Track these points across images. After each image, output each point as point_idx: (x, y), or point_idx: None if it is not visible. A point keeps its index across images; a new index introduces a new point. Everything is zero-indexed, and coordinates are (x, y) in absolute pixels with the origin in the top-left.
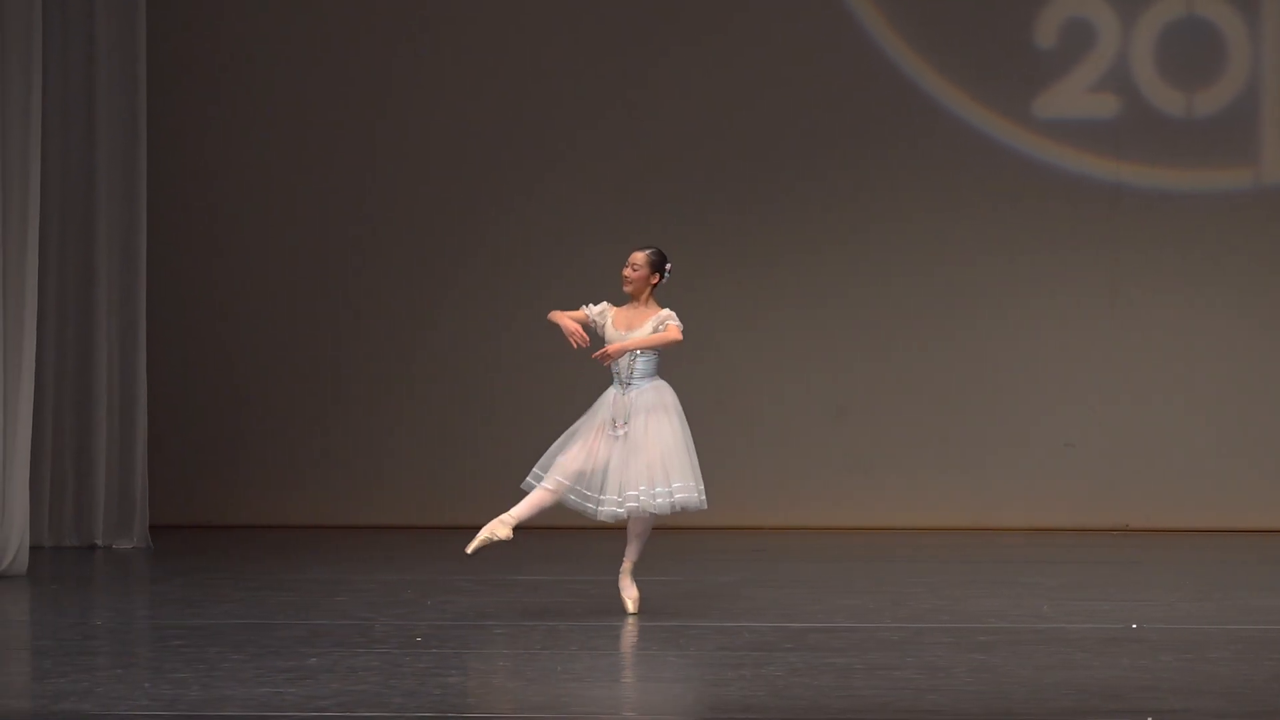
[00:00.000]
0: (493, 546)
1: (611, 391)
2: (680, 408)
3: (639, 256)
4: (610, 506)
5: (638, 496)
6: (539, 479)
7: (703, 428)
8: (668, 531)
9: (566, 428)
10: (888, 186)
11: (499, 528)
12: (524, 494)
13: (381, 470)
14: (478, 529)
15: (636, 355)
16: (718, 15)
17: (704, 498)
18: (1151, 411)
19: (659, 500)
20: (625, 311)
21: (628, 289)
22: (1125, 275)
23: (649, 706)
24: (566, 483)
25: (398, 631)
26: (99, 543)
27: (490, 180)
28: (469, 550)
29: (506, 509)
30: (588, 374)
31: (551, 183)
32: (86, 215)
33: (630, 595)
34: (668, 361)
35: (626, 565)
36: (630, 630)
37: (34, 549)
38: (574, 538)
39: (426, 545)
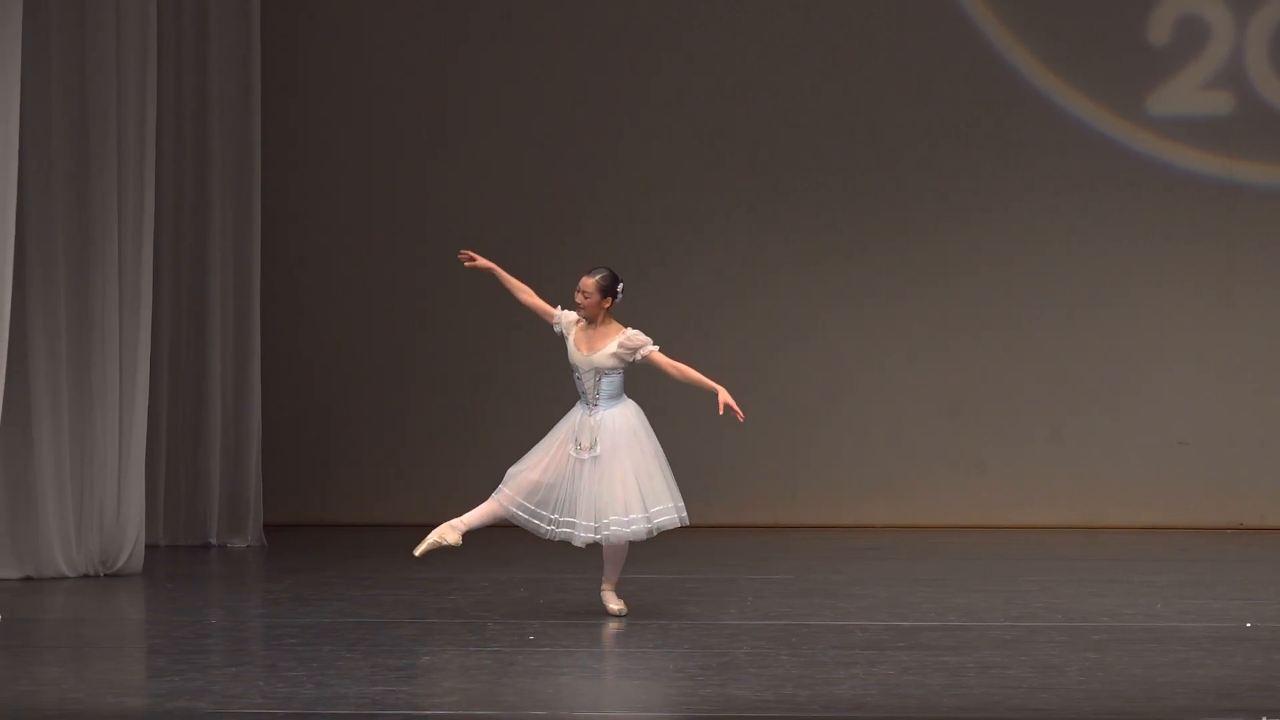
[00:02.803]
0: (441, 551)
1: (578, 412)
2: (649, 427)
3: (589, 283)
4: (585, 533)
5: (611, 524)
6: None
7: (811, 424)
8: (778, 530)
9: (659, 419)
10: (1001, 181)
11: (449, 533)
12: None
13: (494, 469)
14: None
15: (603, 375)
16: (839, 14)
17: (684, 514)
18: (1265, 410)
19: (633, 527)
20: (585, 332)
21: (582, 314)
22: (1239, 273)
23: (761, 704)
24: (518, 498)
25: (510, 630)
26: (213, 541)
27: (572, 179)
28: (417, 553)
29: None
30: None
31: (629, 176)
32: (201, 218)
33: (614, 605)
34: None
35: (607, 586)
36: (743, 630)
37: (149, 548)
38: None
39: (538, 543)
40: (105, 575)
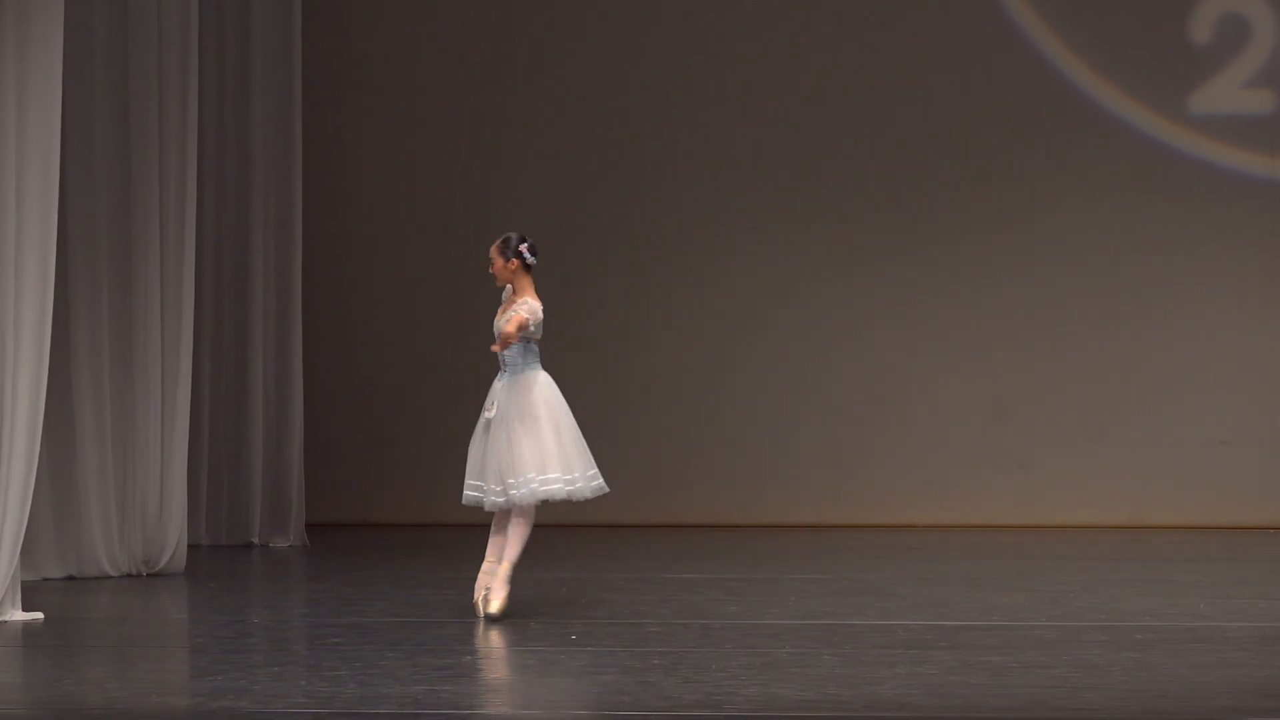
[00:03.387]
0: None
1: (496, 382)
2: (550, 396)
3: (492, 250)
4: (495, 497)
5: (513, 487)
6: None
7: (854, 423)
8: (821, 530)
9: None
10: (1042, 181)
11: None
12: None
13: None
14: (639, 527)
15: (514, 346)
16: (880, 13)
17: (581, 487)
18: None
19: (514, 492)
20: (506, 301)
21: (498, 284)
22: (1277, 273)
23: (804, 704)
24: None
25: (553, 629)
26: (255, 541)
27: (613, 180)
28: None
29: (652, 506)
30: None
31: (671, 175)
32: (242, 217)
33: (496, 596)
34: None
35: (503, 565)
36: (785, 629)
37: (191, 547)
38: (724, 537)
39: (579, 543)
40: (148, 575)
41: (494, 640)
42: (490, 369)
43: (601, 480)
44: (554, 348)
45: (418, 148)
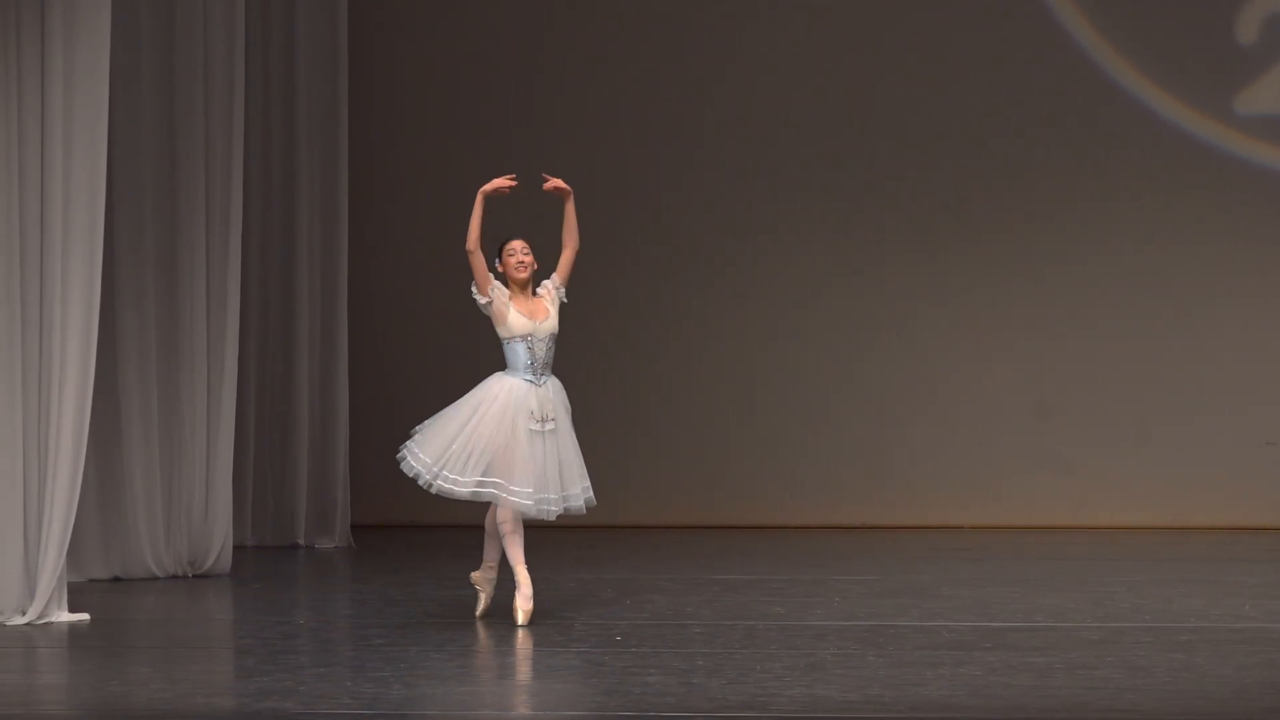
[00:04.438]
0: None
1: (519, 383)
2: None
3: (524, 244)
4: (553, 505)
5: (573, 496)
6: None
7: (899, 424)
8: (866, 531)
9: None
10: (1087, 181)
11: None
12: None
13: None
14: (683, 528)
15: (552, 345)
16: (924, 11)
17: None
18: None
19: (575, 502)
20: (523, 301)
21: (524, 275)
22: None
23: (848, 705)
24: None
25: (597, 630)
26: (301, 542)
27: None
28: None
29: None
30: (759, 372)
31: (713, 172)
32: (288, 221)
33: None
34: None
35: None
36: (829, 630)
37: (236, 548)
38: (768, 538)
39: (625, 543)
40: (193, 576)
41: (538, 641)
42: None
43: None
44: (594, 350)
45: (460, 151)
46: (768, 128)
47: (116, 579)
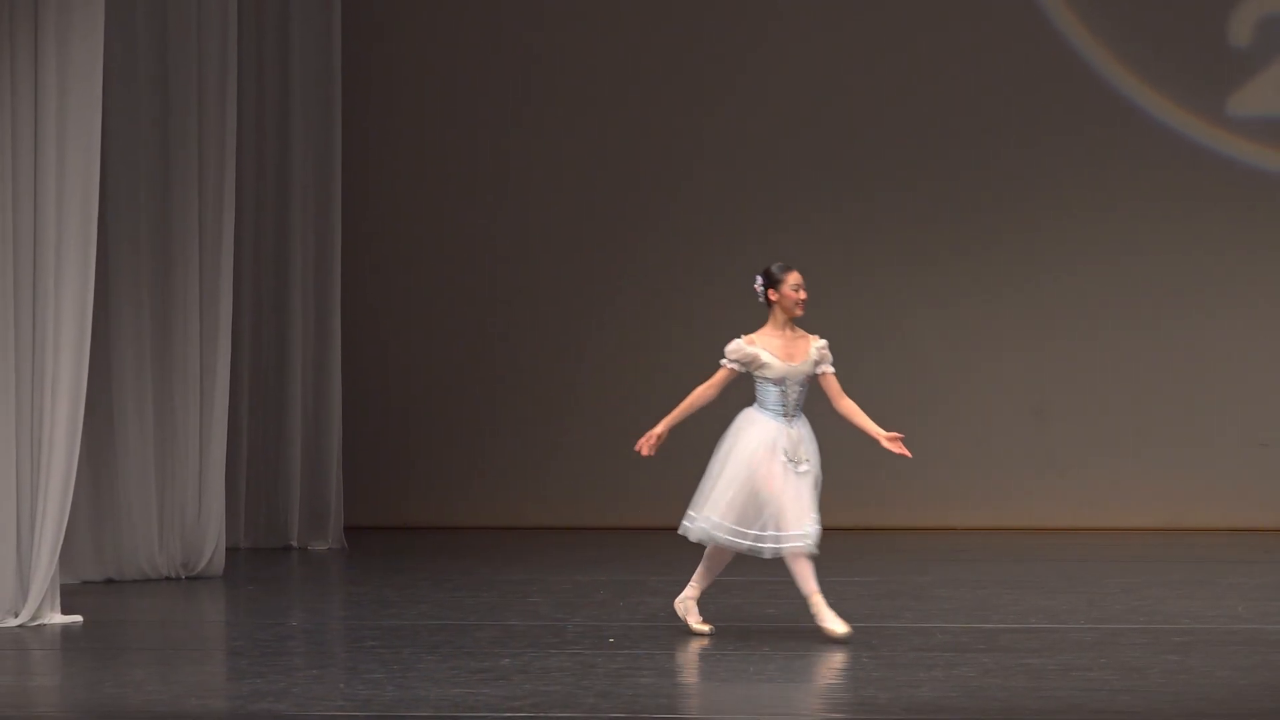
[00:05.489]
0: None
1: (771, 421)
2: None
3: (801, 277)
4: (796, 542)
5: (812, 532)
6: (714, 529)
7: (897, 426)
8: (862, 533)
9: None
10: (1081, 183)
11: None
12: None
13: (576, 472)
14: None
15: (805, 387)
16: (921, 17)
17: None
18: None
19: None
20: (781, 340)
21: (801, 313)
22: None
23: (842, 706)
24: (725, 522)
25: (591, 632)
26: (294, 544)
27: (652, 181)
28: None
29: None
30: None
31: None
32: (281, 222)
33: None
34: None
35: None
36: (824, 633)
37: (230, 550)
38: None
39: (620, 545)
40: (187, 578)
41: (531, 643)
42: (528, 380)
43: None
44: (595, 349)
45: (454, 154)
46: (766, 133)
47: (110, 581)
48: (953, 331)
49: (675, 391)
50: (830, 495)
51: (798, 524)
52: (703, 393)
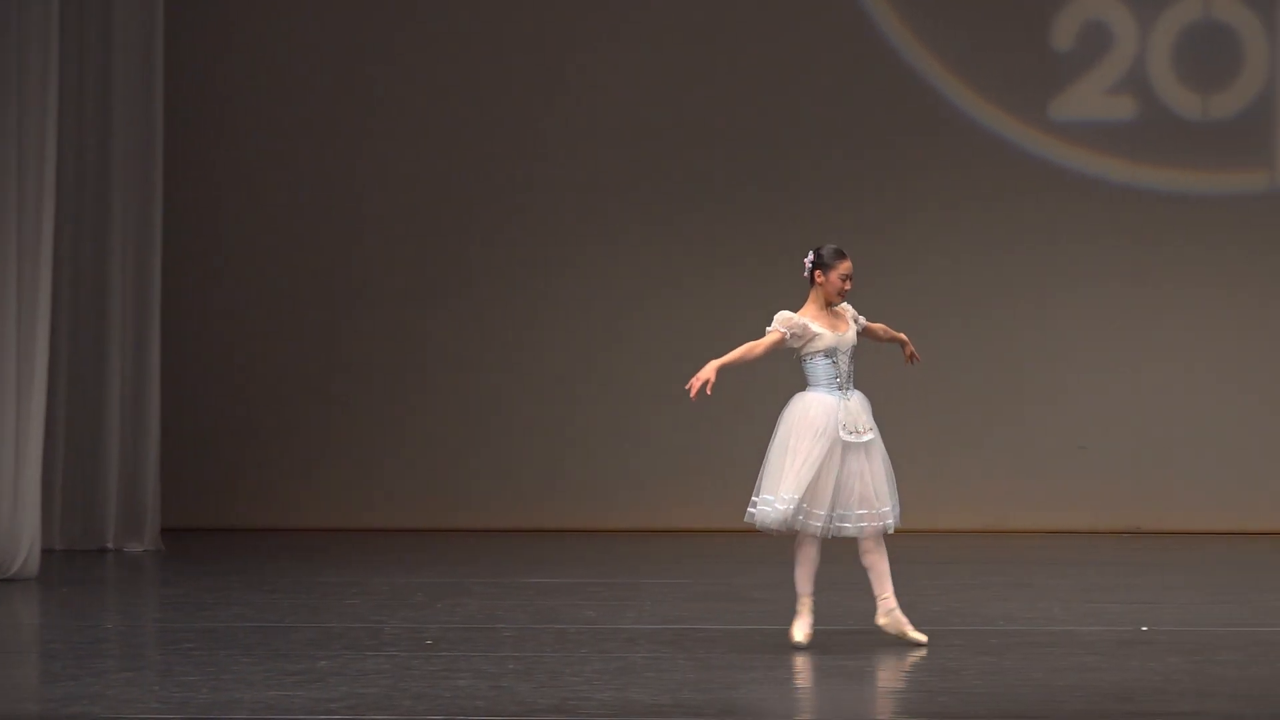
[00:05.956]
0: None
1: (829, 397)
2: None
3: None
4: (873, 521)
5: (890, 511)
6: (802, 515)
7: (717, 431)
8: (680, 535)
9: (572, 427)
10: (901, 187)
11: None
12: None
13: (393, 473)
14: (489, 531)
15: (854, 358)
16: (749, 28)
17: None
18: (1164, 413)
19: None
20: (826, 315)
21: (839, 302)
22: (1140, 277)
23: (658, 708)
24: (807, 508)
25: (408, 634)
26: (110, 546)
27: (492, 182)
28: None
29: (516, 510)
30: (588, 377)
31: (550, 181)
32: (101, 219)
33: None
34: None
35: (893, 600)
36: (640, 634)
37: (45, 552)
38: (582, 541)
39: (439, 548)
40: (1, 580)
41: (348, 645)
42: (348, 379)
43: None
44: (410, 352)
45: (281, 149)
46: (601, 138)
47: None
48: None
49: (496, 395)
50: (643, 499)
51: (872, 503)
52: (752, 348)
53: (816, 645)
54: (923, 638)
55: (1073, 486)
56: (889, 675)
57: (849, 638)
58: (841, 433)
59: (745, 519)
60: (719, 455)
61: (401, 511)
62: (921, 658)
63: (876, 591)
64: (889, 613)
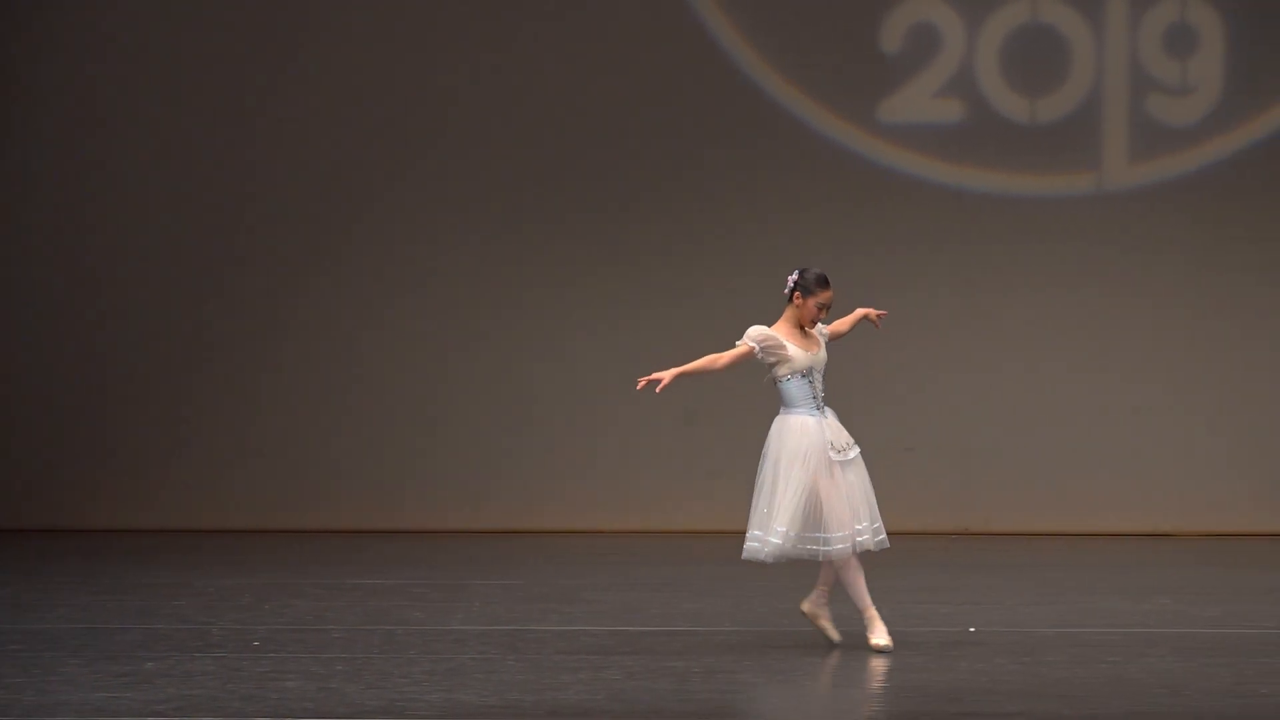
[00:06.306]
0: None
1: (808, 418)
2: None
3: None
4: (864, 536)
5: (878, 529)
6: (785, 542)
7: (549, 433)
8: (509, 535)
9: (416, 423)
10: (730, 189)
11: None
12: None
13: (221, 474)
14: (318, 532)
15: (823, 377)
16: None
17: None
18: (991, 415)
19: (882, 535)
20: (798, 337)
21: (817, 320)
22: (969, 280)
23: (486, 709)
24: (804, 533)
25: (236, 635)
26: None
27: (346, 181)
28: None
29: (357, 512)
30: (443, 375)
31: (399, 188)
32: None
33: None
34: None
35: (873, 613)
36: (469, 635)
37: None
38: (410, 542)
39: (268, 549)
40: None
41: (176, 646)
42: (150, 376)
43: None
44: (201, 346)
45: (126, 139)
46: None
47: None
48: (604, 340)
49: (310, 396)
50: (473, 499)
51: (857, 521)
52: (715, 359)
53: (641, 647)
54: (837, 636)
55: (900, 489)
56: (715, 676)
57: (672, 639)
58: (831, 453)
59: (746, 555)
60: (547, 456)
61: (229, 512)
62: (751, 658)
63: (822, 580)
64: (819, 605)
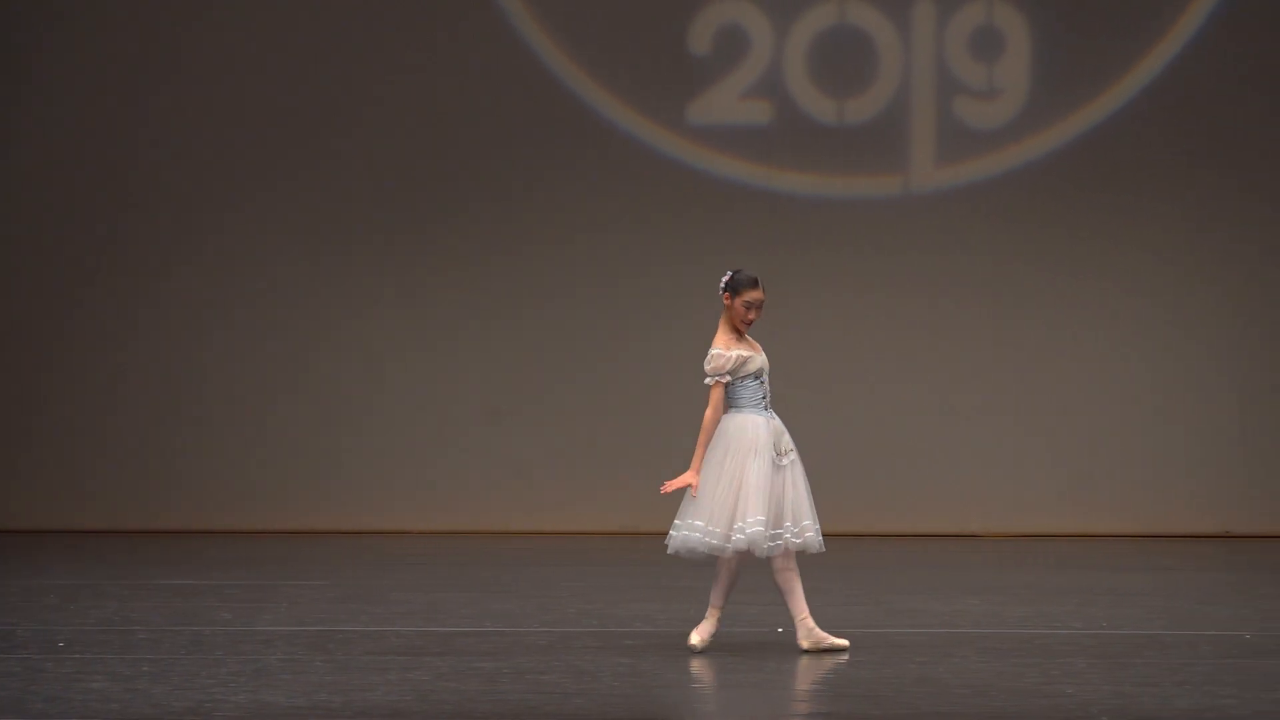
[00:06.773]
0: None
1: (756, 416)
2: None
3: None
4: (813, 534)
5: (811, 529)
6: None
7: (351, 430)
8: (314, 536)
9: (232, 425)
10: (539, 193)
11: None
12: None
13: (23, 472)
14: (124, 532)
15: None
16: (376, 29)
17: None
18: (797, 418)
19: (810, 535)
20: (743, 344)
21: (743, 330)
22: (779, 281)
23: (294, 710)
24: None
25: (40, 636)
26: None
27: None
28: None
29: (167, 512)
30: (262, 380)
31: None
32: None
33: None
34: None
35: (809, 618)
36: (277, 636)
37: None
38: (218, 541)
39: (75, 549)
40: None
41: None
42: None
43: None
44: (60, 344)
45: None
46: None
47: None
48: (408, 334)
49: (119, 397)
50: (282, 499)
51: (798, 520)
52: (709, 418)
53: (450, 647)
54: (844, 643)
55: None
56: (525, 677)
57: (480, 639)
58: (772, 456)
59: (671, 549)
60: (355, 458)
61: (35, 513)
62: (560, 658)
63: (794, 613)
64: (809, 633)
